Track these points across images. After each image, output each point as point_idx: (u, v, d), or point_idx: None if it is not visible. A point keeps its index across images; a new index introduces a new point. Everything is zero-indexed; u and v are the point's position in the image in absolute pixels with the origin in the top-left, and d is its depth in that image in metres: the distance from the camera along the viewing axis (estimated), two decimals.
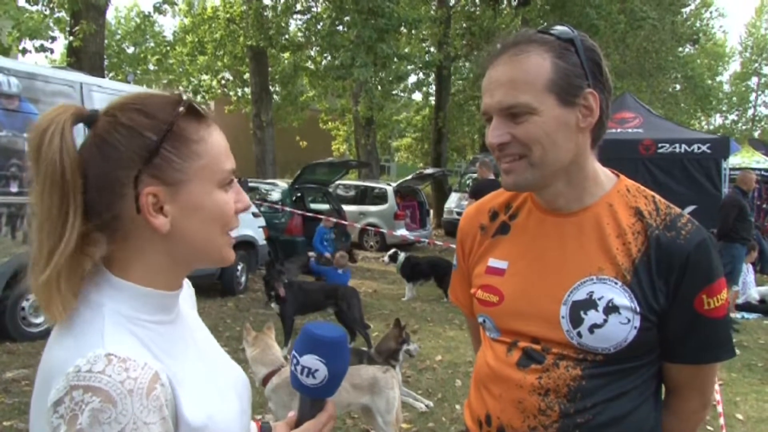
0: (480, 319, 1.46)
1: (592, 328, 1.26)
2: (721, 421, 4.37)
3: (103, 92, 7.54)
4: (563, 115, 1.25)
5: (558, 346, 1.30)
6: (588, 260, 1.30)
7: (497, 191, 1.52)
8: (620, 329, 1.25)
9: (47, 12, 11.61)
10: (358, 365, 4.35)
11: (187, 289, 1.20)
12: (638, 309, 1.25)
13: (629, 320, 1.25)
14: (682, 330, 1.28)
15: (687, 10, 31.33)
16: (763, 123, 46.55)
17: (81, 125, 1.00)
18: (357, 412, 4.53)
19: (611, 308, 1.25)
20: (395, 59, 17.46)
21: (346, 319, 6.88)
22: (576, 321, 1.27)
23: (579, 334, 1.27)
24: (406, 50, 20.04)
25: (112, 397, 0.84)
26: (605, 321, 1.25)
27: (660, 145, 10.03)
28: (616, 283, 1.26)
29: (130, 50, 24.73)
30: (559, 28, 1.29)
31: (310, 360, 1.09)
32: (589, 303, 1.27)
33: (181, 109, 0.97)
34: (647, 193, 1.36)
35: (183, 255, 1.01)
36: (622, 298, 1.25)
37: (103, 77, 11.18)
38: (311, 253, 10.86)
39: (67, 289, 0.93)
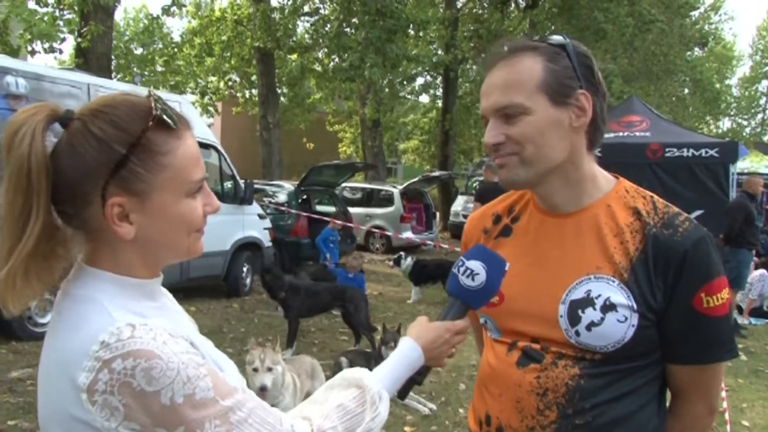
0: (482, 320, 1.49)
1: (590, 326, 1.27)
2: (728, 428, 4.35)
3: (110, 93, 7.57)
4: (556, 114, 1.29)
5: (557, 345, 1.31)
6: (586, 259, 1.32)
7: (502, 196, 1.57)
8: (618, 327, 1.25)
9: (57, 14, 11.67)
10: (299, 355, 4.53)
11: (185, 314, 1.22)
12: (636, 307, 1.25)
13: (626, 318, 1.25)
14: (681, 329, 1.28)
15: (696, 13, 31.26)
16: None
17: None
18: None
19: (608, 306, 1.26)
20: (404, 60, 17.46)
21: (352, 321, 6.89)
22: (574, 319, 1.28)
23: (577, 333, 1.28)
24: (415, 52, 20.02)
25: (154, 352, 0.89)
26: (602, 319, 1.26)
27: (667, 149, 9.96)
28: (613, 282, 1.27)
29: (138, 51, 24.80)
30: (553, 37, 1.34)
31: (476, 264, 1.29)
32: (587, 301, 1.28)
33: (150, 123, 0.98)
34: (645, 193, 1.38)
35: (151, 254, 1.04)
36: (619, 296, 1.26)
37: (111, 78, 11.22)
38: (327, 262, 10.71)
39: (25, 286, 0.96)
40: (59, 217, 1.00)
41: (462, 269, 1.30)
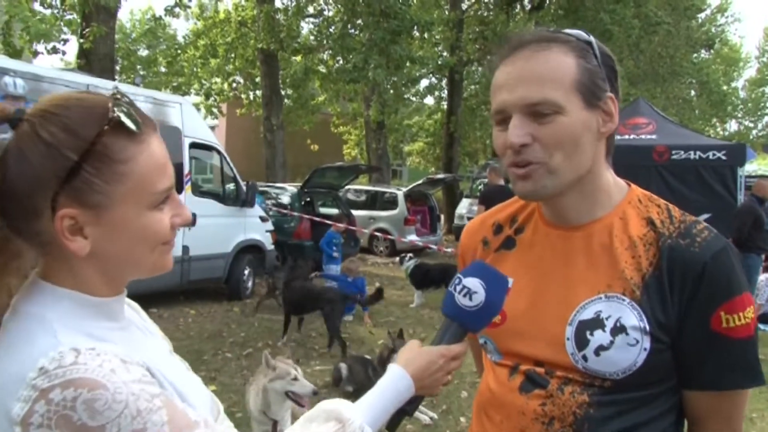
0: (481, 341, 1.34)
1: (598, 350, 1.14)
2: None
3: None
4: (588, 118, 1.15)
5: (562, 369, 1.18)
6: (596, 277, 1.18)
7: (504, 204, 1.42)
8: (628, 352, 1.12)
9: (59, 14, 11.64)
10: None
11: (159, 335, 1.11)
12: (648, 328, 1.12)
13: (638, 341, 1.12)
14: (698, 352, 1.15)
15: (702, 15, 31.13)
16: None
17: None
18: None
19: (619, 328, 1.13)
20: (408, 62, 17.39)
21: (327, 324, 6.89)
22: (581, 342, 1.15)
23: (584, 357, 1.15)
24: (419, 54, 19.95)
25: (99, 382, 0.79)
26: (612, 342, 1.13)
27: (674, 151, 9.86)
28: (623, 300, 1.14)
29: (143, 53, 24.80)
30: (575, 31, 1.20)
31: (474, 282, 1.16)
32: (596, 323, 1.15)
33: (106, 126, 0.87)
34: (660, 201, 1.25)
35: (112, 270, 0.93)
36: (630, 316, 1.13)
37: (114, 80, 11.16)
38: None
39: None
40: (9, 229, 0.91)
41: (458, 287, 1.17)
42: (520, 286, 1.25)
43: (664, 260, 1.15)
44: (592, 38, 1.19)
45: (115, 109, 0.89)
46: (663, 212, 1.22)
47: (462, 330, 1.20)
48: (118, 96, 0.92)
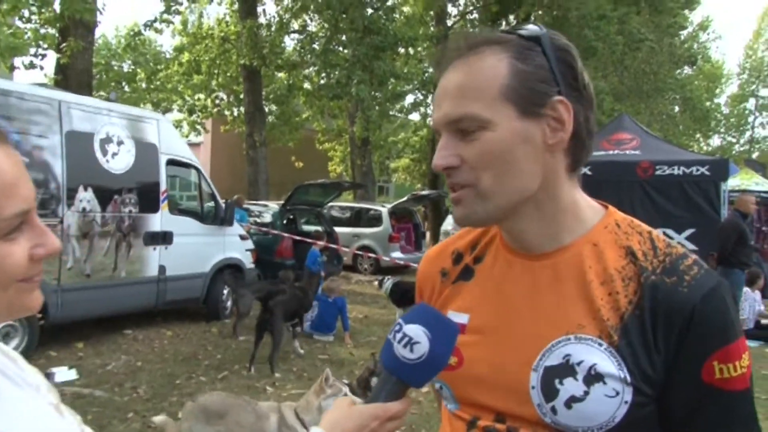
0: (437, 386, 1.15)
1: (570, 402, 0.96)
2: None
3: (84, 110, 7.34)
4: (524, 129, 0.98)
5: (528, 425, 1.00)
6: (565, 315, 1.01)
7: (465, 229, 1.23)
8: (606, 404, 0.95)
9: (35, 28, 11.49)
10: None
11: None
12: (629, 379, 0.95)
13: (618, 393, 0.95)
14: (687, 406, 0.98)
15: (684, 32, 31.45)
16: (760, 145, 46.58)
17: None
18: None
19: (594, 377, 0.95)
20: (392, 78, 17.34)
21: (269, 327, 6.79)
22: (549, 392, 0.98)
23: (553, 410, 0.97)
24: (405, 70, 19.91)
25: None
26: (586, 393, 0.95)
27: (658, 167, 9.78)
28: (600, 345, 0.97)
29: (129, 68, 24.56)
30: (527, 26, 1.03)
31: (415, 330, 0.97)
32: (566, 369, 0.97)
33: None
34: (642, 228, 1.07)
35: None
36: (607, 363, 0.95)
37: (90, 95, 10.97)
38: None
39: None
40: None
41: (398, 336, 0.97)
42: (479, 324, 1.09)
43: (646, 300, 0.98)
44: (543, 31, 1.02)
45: None
46: (645, 242, 1.04)
47: (402, 385, 1.00)
48: None
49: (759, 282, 9.21)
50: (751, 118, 46.52)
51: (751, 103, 46.47)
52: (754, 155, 42.09)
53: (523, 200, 1.02)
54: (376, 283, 10.17)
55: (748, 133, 46.67)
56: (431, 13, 22.58)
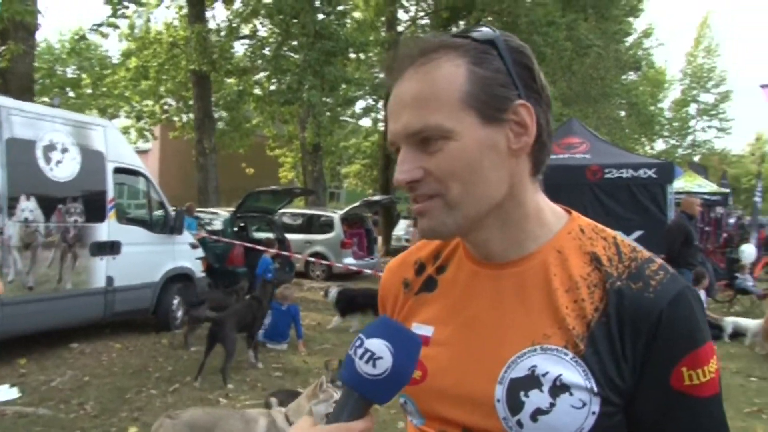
0: (401, 400, 1.11)
1: (536, 414, 0.93)
2: None
3: (25, 116, 7.08)
4: (488, 136, 0.95)
5: None
6: (530, 325, 0.98)
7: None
8: (573, 416, 0.92)
9: None
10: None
11: None
12: (596, 389, 0.92)
13: (585, 403, 0.92)
14: (657, 414, 0.95)
15: (630, 39, 32.31)
16: (701, 148, 48.28)
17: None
18: None
19: (560, 387, 0.93)
20: (343, 83, 17.31)
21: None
22: (515, 405, 0.94)
23: (519, 423, 0.94)
24: (356, 75, 19.89)
25: None
26: (552, 405, 0.92)
27: (607, 170, 9.98)
28: (565, 354, 0.94)
29: (70, 73, 23.91)
30: (479, 29, 1.00)
31: (378, 344, 0.92)
32: (532, 381, 0.94)
33: None
34: (607, 234, 1.05)
35: None
36: (573, 374, 0.93)
37: (32, 100, 10.62)
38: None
39: None
40: None
41: (359, 351, 0.92)
42: (443, 336, 1.05)
43: (612, 307, 0.95)
44: (497, 34, 0.99)
45: None
46: (610, 247, 1.02)
47: (365, 402, 0.94)
48: None
49: (704, 281, 9.45)
50: (692, 122, 48.23)
51: (692, 108, 48.19)
52: (696, 158, 43.60)
53: (491, 208, 0.98)
54: (323, 293, 10.12)
55: (690, 137, 48.39)
56: (382, 18, 22.68)
